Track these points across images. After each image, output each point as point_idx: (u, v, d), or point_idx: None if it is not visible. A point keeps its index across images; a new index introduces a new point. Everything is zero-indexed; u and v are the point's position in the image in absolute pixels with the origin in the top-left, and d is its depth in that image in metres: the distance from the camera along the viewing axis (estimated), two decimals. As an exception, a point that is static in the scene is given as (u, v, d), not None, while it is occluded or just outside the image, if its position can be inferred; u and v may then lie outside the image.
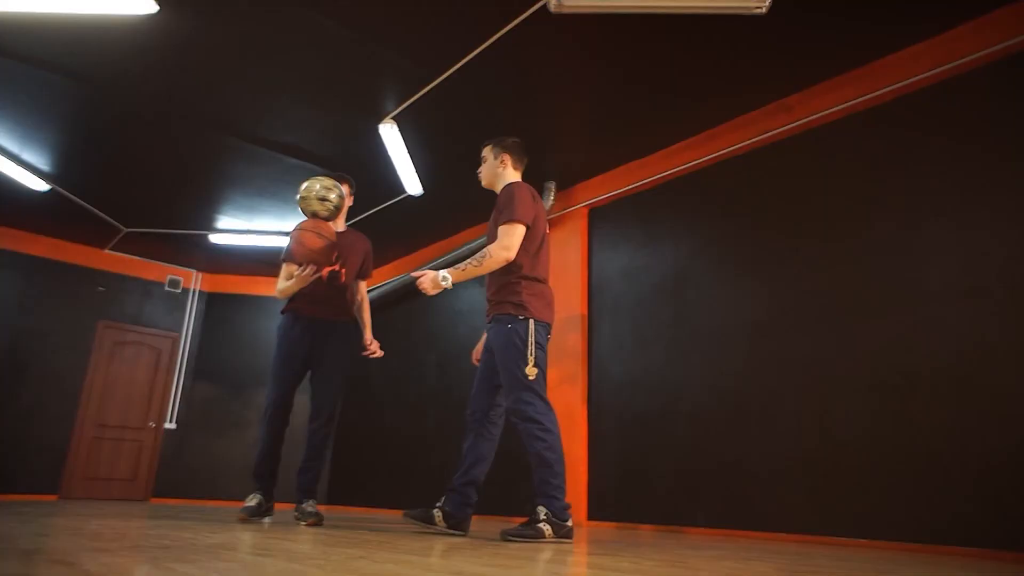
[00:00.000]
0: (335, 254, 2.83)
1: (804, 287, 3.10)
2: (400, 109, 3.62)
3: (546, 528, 2.10)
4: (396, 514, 5.10)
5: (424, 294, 2.34)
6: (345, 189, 2.99)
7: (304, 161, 4.36)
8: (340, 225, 3.01)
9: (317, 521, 2.66)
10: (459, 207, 4.94)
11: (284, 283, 2.85)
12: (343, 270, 2.94)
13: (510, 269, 2.32)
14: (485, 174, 2.56)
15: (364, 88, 3.48)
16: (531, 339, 2.24)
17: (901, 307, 2.74)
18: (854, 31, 2.85)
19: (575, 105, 3.57)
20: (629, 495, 3.59)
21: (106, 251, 6.05)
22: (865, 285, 2.88)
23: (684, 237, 3.74)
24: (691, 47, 3.01)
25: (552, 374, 4.19)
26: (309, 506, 2.74)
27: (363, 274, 3.04)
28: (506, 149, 2.53)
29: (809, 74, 3.17)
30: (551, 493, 2.13)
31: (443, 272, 2.27)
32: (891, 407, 2.68)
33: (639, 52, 3.06)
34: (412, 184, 4.34)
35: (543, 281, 2.37)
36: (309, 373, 2.89)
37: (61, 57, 3.32)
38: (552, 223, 4.50)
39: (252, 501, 2.71)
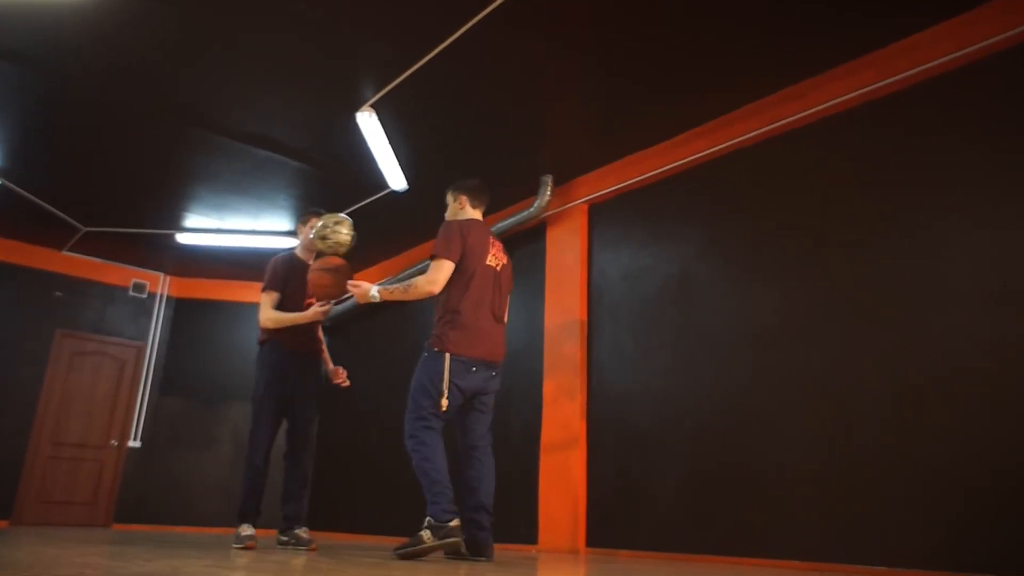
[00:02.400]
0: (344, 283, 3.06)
1: (817, 290, 3.13)
2: (379, 96, 3.66)
3: (425, 534, 2.40)
4: (380, 540, 5.12)
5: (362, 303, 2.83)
6: (312, 222, 3.32)
7: (277, 154, 4.40)
8: (312, 258, 3.37)
9: (313, 547, 2.99)
10: (441, 208, 4.97)
11: (281, 314, 3.19)
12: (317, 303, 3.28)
13: (438, 304, 2.71)
14: (447, 217, 2.95)
15: (340, 74, 3.52)
16: (446, 373, 2.58)
17: (923, 313, 2.76)
18: (872, 11, 2.88)
19: (573, 91, 3.60)
20: (631, 519, 3.61)
21: (63, 253, 6.10)
22: (884, 288, 2.90)
23: (690, 236, 3.77)
24: (695, 29, 3.04)
25: (548, 386, 4.22)
26: (304, 532, 3.10)
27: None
28: (462, 191, 2.92)
29: (822, 58, 3.20)
30: (432, 499, 2.45)
31: (375, 288, 2.73)
32: (911, 421, 2.69)
33: (640, 34, 3.09)
34: (395, 178, 4.38)
35: (479, 317, 2.69)
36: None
37: (3, 38, 3.33)
38: (549, 221, 4.54)
39: (249, 531, 2.99)
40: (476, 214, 2.92)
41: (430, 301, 2.72)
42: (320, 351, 3.39)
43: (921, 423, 2.67)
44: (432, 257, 2.68)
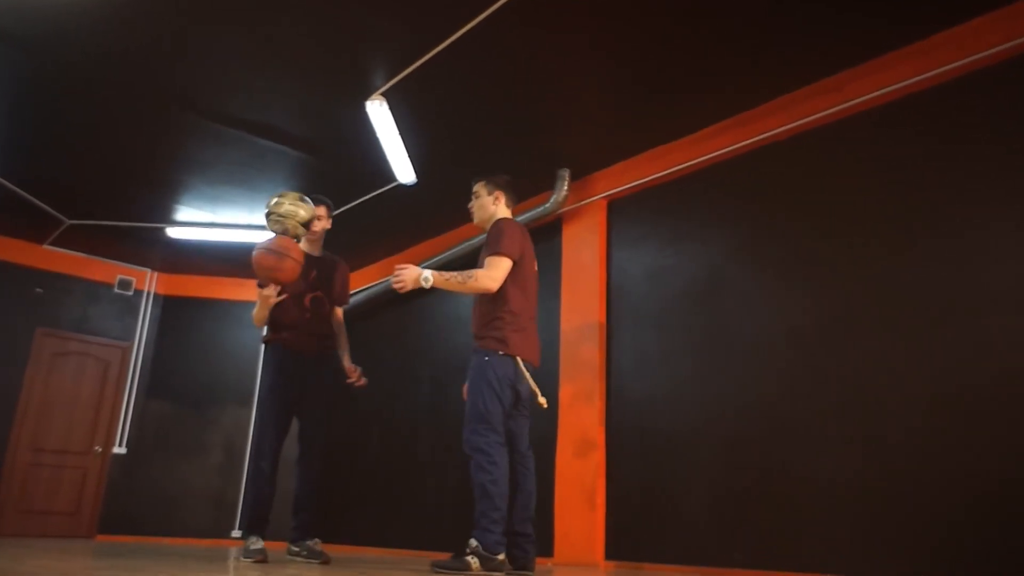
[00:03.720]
0: (299, 269, 3.09)
1: (852, 292, 3.15)
2: (390, 84, 3.65)
3: (473, 561, 2.39)
4: (386, 553, 5.11)
5: (399, 292, 2.72)
6: (322, 212, 3.31)
7: (278, 143, 4.39)
8: (317, 250, 3.36)
9: (327, 560, 3.00)
10: (458, 198, 4.93)
11: (256, 310, 3.20)
12: (325, 297, 3.28)
13: (496, 304, 2.68)
14: (478, 211, 2.95)
15: (349, 59, 3.51)
16: (525, 374, 2.63)
17: (962, 316, 2.78)
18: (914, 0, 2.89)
19: (592, 81, 3.61)
20: (654, 531, 3.62)
21: (45, 247, 6.07)
22: (922, 291, 2.92)
23: (717, 234, 3.78)
24: (724, 15, 3.04)
25: (564, 391, 4.22)
26: (316, 544, 3.10)
27: (339, 300, 3.39)
28: (500, 187, 2.93)
29: (862, 48, 3.21)
30: (486, 526, 2.43)
31: (426, 272, 2.64)
32: (950, 429, 2.71)
33: (665, 21, 3.09)
34: (404, 171, 4.37)
35: (529, 321, 2.75)
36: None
37: (-16, 14, 3.28)
38: (566, 217, 4.54)
39: (259, 544, 2.96)
40: (508, 213, 2.95)
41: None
42: (329, 348, 3.33)
43: (961, 431, 2.69)
44: (493, 254, 2.66)
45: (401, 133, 4.04)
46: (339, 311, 3.41)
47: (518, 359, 2.65)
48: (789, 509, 3.11)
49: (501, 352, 2.63)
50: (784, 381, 3.29)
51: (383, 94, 3.72)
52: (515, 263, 2.69)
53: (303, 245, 3.34)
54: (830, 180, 3.37)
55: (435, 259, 5.21)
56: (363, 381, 3.33)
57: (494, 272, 2.64)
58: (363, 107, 3.82)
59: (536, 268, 2.92)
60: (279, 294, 3.08)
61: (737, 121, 3.77)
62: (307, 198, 3.23)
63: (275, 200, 3.15)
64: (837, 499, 2.97)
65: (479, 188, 2.95)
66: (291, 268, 3.02)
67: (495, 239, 2.69)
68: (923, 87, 3.12)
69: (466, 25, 3.19)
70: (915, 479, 2.77)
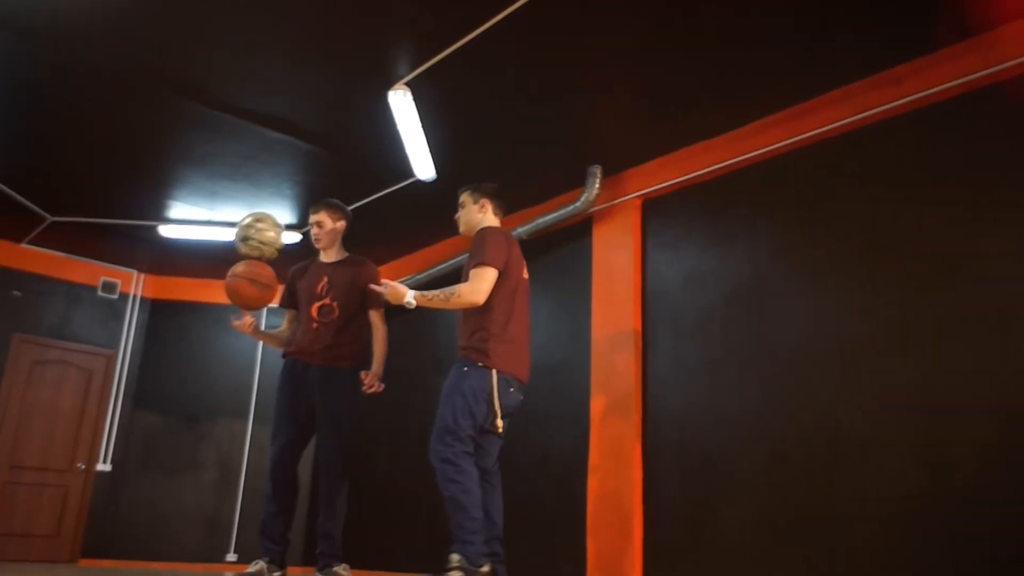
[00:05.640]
0: (269, 290, 3.24)
1: (912, 298, 3.17)
2: (416, 73, 3.67)
3: None
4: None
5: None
6: (334, 215, 3.40)
7: (288, 135, 4.39)
8: (332, 255, 3.41)
9: None
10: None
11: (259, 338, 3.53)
12: (335, 304, 3.29)
13: (480, 316, 2.77)
14: (464, 220, 3.09)
15: (371, 45, 3.50)
16: (494, 390, 2.70)
17: (1043, 323, 2.81)
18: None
19: (628, 72, 3.62)
20: (695, 552, 3.65)
21: (23, 245, 6.02)
22: (990, 298, 2.94)
23: (764, 236, 3.82)
24: (770, 3, 3.05)
25: (596, 403, 4.25)
26: (344, 570, 3.13)
27: (371, 304, 3.38)
28: (486, 195, 3.05)
29: (924, 38, 3.24)
30: (465, 538, 2.50)
31: (408, 296, 2.77)
32: (1022, 444, 2.75)
33: (709, 4, 3.09)
34: (423, 167, 4.39)
35: (517, 333, 2.83)
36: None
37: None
38: (596, 217, 4.58)
39: (253, 567, 2.98)
40: (496, 221, 3.08)
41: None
42: (342, 359, 3.27)
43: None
44: (477, 265, 2.76)
45: (423, 126, 4.06)
46: (375, 314, 3.40)
47: (494, 372, 2.72)
48: (842, 531, 3.13)
49: (480, 364, 2.73)
50: (836, 393, 3.31)
51: (407, 83, 3.74)
52: (501, 272, 2.78)
53: (320, 255, 3.44)
54: (886, 179, 3.40)
55: (452, 261, 5.24)
56: (377, 388, 3.27)
57: (478, 284, 2.72)
58: (384, 97, 3.84)
59: (526, 275, 3.01)
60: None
61: (785, 116, 3.80)
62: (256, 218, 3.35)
63: (258, 225, 3.24)
64: (894, 521, 2.99)
65: (465, 197, 3.09)
66: (271, 298, 3.25)
67: (478, 249, 2.79)
68: (987, 82, 3.13)
69: (501, 12, 3.21)
70: (983, 500, 2.78)
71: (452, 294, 2.75)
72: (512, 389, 2.83)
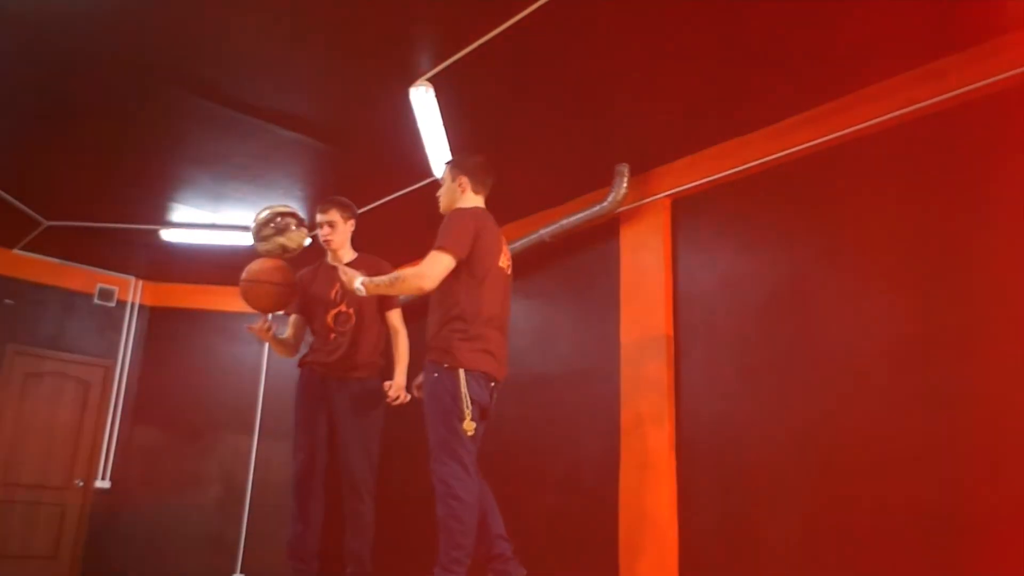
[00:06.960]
0: (290, 291, 3.27)
1: (965, 299, 3.17)
2: (439, 68, 3.69)
3: None
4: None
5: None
6: (345, 214, 3.42)
7: (300, 133, 4.39)
8: (344, 256, 3.38)
9: None
10: (499, 196, 4.99)
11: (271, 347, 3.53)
12: (351, 311, 3.27)
13: (444, 309, 2.72)
14: (443, 199, 3.00)
15: (393, 38, 3.50)
16: (463, 391, 2.62)
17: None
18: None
19: (659, 68, 3.63)
20: (734, 568, 3.65)
21: (16, 251, 6.03)
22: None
23: (805, 236, 3.83)
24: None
25: (627, 412, 4.26)
26: None
27: (386, 305, 3.40)
28: (464, 171, 2.96)
29: (969, 31, 3.25)
30: (448, 566, 2.52)
31: (357, 282, 2.76)
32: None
33: (740, 1, 3.09)
34: (442, 166, 4.41)
35: (487, 327, 2.73)
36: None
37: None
38: (624, 217, 4.59)
39: None
40: (478, 200, 2.98)
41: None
42: (361, 369, 3.28)
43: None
44: (434, 249, 2.69)
45: (445, 124, 4.08)
46: (391, 316, 3.42)
47: (461, 372, 2.64)
48: (894, 548, 3.12)
49: (446, 365, 2.67)
50: (884, 401, 3.31)
51: (429, 79, 3.76)
52: (465, 260, 2.70)
53: (330, 258, 3.43)
54: (937, 175, 3.39)
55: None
56: (404, 398, 3.25)
57: (426, 269, 2.64)
58: (403, 94, 3.85)
59: (503, 264, 2.91)
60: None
61: (824, 111, 3.80)
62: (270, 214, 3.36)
63: (286, 221, 3.25)
64: (956, 536, 2.98)
65: (444, 174, 3.03)
66: (291, 298, 3.28)
67: (441, 233, 2.72)
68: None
69: (528, 7, 3.22)
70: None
71: (396, 279, 2.75)
72: (482, 386, 2.73)
